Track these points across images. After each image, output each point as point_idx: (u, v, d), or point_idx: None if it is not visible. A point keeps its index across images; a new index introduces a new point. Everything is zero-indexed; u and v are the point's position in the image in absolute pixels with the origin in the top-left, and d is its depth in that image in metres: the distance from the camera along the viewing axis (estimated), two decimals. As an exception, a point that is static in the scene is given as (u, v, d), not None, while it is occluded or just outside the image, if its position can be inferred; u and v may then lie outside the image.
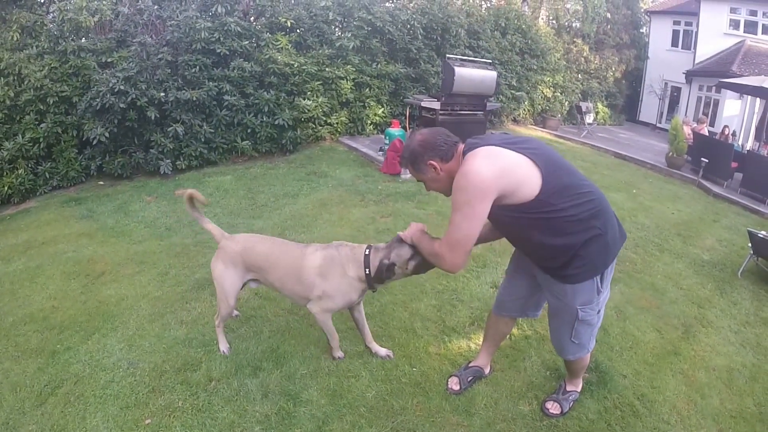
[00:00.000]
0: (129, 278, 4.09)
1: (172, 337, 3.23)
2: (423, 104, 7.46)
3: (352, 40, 8.73)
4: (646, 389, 3.17)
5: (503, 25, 12.21)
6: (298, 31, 8.81)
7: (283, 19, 8.36)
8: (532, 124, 13.27)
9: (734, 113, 15.05)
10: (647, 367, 3.39)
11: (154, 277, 4.11)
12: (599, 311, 2.33)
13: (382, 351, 3.18)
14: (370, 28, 9.20)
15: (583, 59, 15.87)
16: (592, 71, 16.24)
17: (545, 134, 12.41)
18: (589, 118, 13.73)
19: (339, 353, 3.12)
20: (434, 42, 10.40)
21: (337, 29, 9.43)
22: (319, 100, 8.26)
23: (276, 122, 7.63)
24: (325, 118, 8.58)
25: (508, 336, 3.19)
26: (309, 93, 8.24)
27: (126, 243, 4.84)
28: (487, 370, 3.05)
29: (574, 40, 16.20)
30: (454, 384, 2.95)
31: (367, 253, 2.66)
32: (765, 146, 10.59)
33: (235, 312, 3.39)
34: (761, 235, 5.14)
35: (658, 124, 18.01)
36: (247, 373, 2.96)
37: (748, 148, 11.20)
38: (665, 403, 3.10)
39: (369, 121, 9.26)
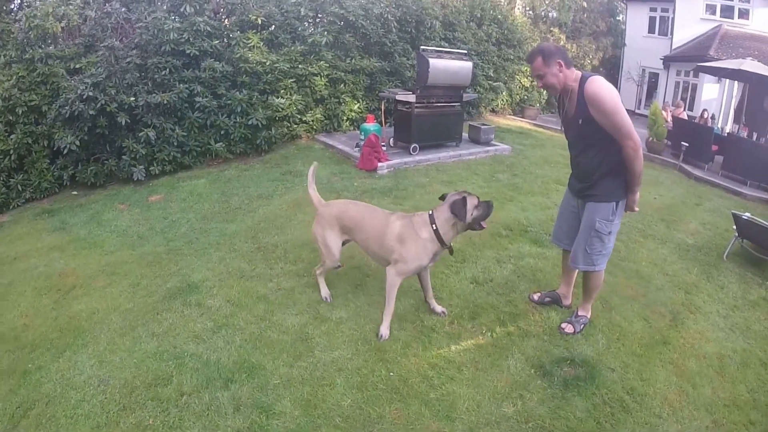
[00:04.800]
0: (100, 291, 3.95)
1: (143, 351, 3.12)
2: (398, 98, 7.30)
3: (324, 35, 8.52)
4: (636, 382, 3.04)
5: (479, 15, 12.07)
6: (270, 28, 8.58)
7: (254, 17, 8.13)
8: (510, 114, 13.19)
9: (712, 97, 15.15)
10: (636, 359, 3.26)
11: (126, 288, 3.97)
12: (611, 233, 3.05)
13: (438, 308, 3.51)
14: (342, 23, 9.01)
15: (560, 48, 15.72)
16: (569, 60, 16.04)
17: (524, 124, 12.34)
18: (568, 107, 13.53)
19: (386, 331, 3.24)
20: (409, 35, 10.22)
21: (309, 25, 9.21)
22: (293, 97, 8.04)
23: (249, 122, 7.42)
24: (299, 116, 8.36)
25: (575, 271, 3.55)
26: (282, 91, 8.02)
27: (98, 254, 4.69)
28: (565, 302, 3.69)
29: (551, 29, 16.17)
30: (536, 295, 3.75)
31: (430, 213, 3.13)
32: (744, 128, 10.61)
33: (339, 264, 3.81)
34: (745, 217, 5.07)
35: (636, 110, 18.02)
36: (219, 385, 2.82)
37: (728, 131, 11.21)
38: (656, 395, 2.97)
39: (345, 117, 9.07)
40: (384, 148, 7.38)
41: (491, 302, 3.71)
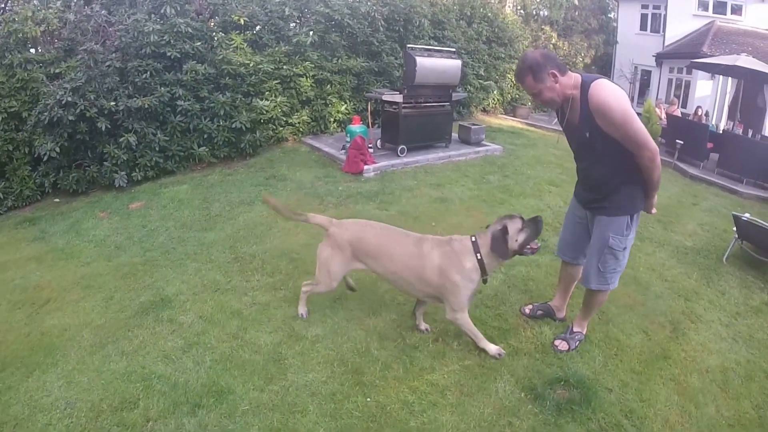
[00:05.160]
0: (74, 305, 3.77)
1: (112, 371, 2.94)
2: (384, 98, 7.06)
3: (309, 35, 8.31)
4: (635, 403, 2.82)
5: (469, 14, 11.86)
6: (254, 29, 8.34)
7: (237, 17, 7.90)
8: (502, 114, 12.98)
9: (706, 94, 15.01)
10: (635, 377, 3.03)
11: (99, 302, 3.78)
12: (625, 248, 2.81)
13: (423, 325, 3.25)
14: (328, 22, 8.77)
15: (551, 46, 15.71)
16: (561, 58, 15.81)
17: (516, 123, 12.15)
18: (560, 106, 13.38)
19: (494, 350, 3.01)
20: (397, 33, 10.00)
21: (294, 25, 8.97)
22: (278, 99, 7.83)
23: (233, 125, 7.23)
24: (285, 119, 8.16)
25: (574, 281, 3.39)
26: (267, 93, 7.82)
27: (74, 265, 4.50)
28: (560, 314, 3.46)
29: (542, 27, 16.00)
30: (527, 308, 3.51)
31: (473, 240, 2.82)
32: (739, 125, 10.46)
33: (353, 288, 3.55)
34: (745, 218, 4.90)
35: (630, 110, 17.80)
36: (186, 410, 2.62)
37: (723, 128, 11.04)
38: (656, 418, 2.76)
39: (332, 119, 8.87)
40: (371, 150, 7.16)
41: (479, 316, 3.46)
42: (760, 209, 7.50)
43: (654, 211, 2.88)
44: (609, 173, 2.66)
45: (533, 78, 2.48)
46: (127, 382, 2.84)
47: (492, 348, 3.01)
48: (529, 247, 2.81)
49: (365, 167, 6.59)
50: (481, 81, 11.56)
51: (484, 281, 2.90)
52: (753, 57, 10.27)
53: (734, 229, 5.06)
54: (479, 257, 2.78)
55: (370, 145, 7.35)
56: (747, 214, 5.01)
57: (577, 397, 2.77)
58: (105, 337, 3.30)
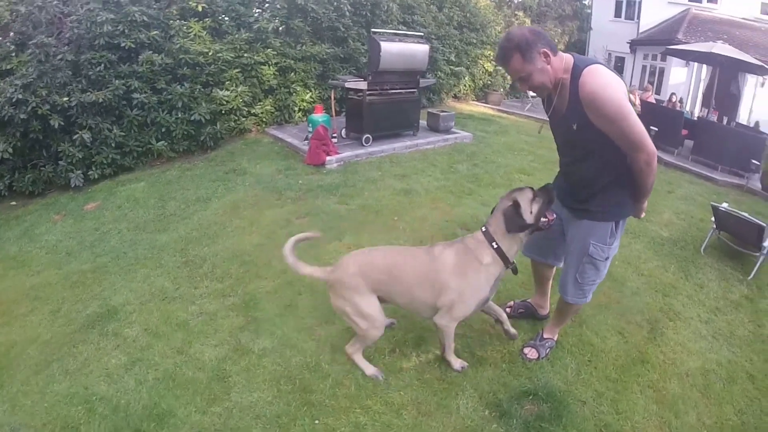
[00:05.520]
0: (21, 319, 3.58)
1: (55, 393, 2.76)
2: (347, 85, 6.71)
3: (271, 21, 7.93)
4: (610, 416, 2.59)
5: (440, -2, 11.60)
6: (216, 15, 7.92)
7: (194, 3, 7.47)
8: (474, 100, 12.74)
9: (680, 81, 15.05)
10: (610, 386, 2.80)
11: (46, 315, 3.57)
12: (607, 259, 2.51)
13: (512, 330, 2.93)
14: (292, 7, 8.41)
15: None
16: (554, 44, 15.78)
17: (487, 110, 11.91)
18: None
19: (458, 364, 2.75)
20: (364, 18, 9.66)
21: (255, 10, 8.54)
22: (239, 89, 7.48)
23: (192, 118, 6.92)
24: (247, 109, 7.82)
25: (548, 280, 3.19)
26: (227, 83, 7.48)
27: (24, 275, 4.27)
28: (542, 312, 3.25)
29: (516, 12, 15.81)
30: (507, 307, 3.23)
31: (484, 230, 2.50)
32: (714, 112, 10.42)
33: (388, 320, 2.95)
34: (723, 209, 4.77)
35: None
36: None
37: (698, 115, 11.03)
38: None
39: (296, 108, 8.53)
40: (334, 141, 6.83)
41: (440, 322, 3.18)
42: (736, 196, 7.45)
43: (643, 215, 2.58)
44: (595, 172, 2.35)
45: (522, 58, 2.11)
46: (70, 405, 2.64)
47: (456, 363, 2.74)
48: (545, 219, 2.48)
49: (328, 158, 6.26)
50: (452, 67, 11.30)
51: (513, 271, 2.55)
52: (728, 45, 10.23)
53: (712, 219, 4.92)
54: (496, 246, 2.44)
55: (334, 135, 7.03)
56: (725, 204, 4.88)
57: (547, 412, 2.52)
58: (50, 354, 3.10)
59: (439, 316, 2.51)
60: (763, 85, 13.68)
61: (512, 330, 2.91)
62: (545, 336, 2.97)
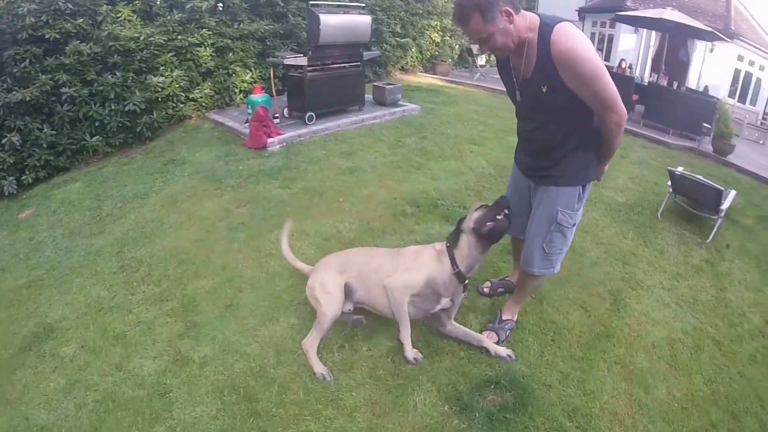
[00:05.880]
0: None
1: None
2: (287, 62, 6.30)
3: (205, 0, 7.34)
4: (578, 399, 2.44)
5: (384, -32, 11.19)
6: None
7: None
8: (421, 71, 12.43)
9: (629, 47, 15.24)
10: (576, 365, 2.66)
11: None
12: (574, 225, 2.42)
13: (502, 351, 2.64)
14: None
15: (472, 1, 15.24)
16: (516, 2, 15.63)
17: (436, 81, 11.65)
18: (481, 60, 13.22)
19: (411, 353, 2.53)
20: (305, -9, 9.20)
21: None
22: (174, 74, 6.97)
23: (127, 108, 6.43)
24: (185, 94, 7.32)
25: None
26: (161, 68, 6.96)
27: None
28: None
29: (463, -18, 15.52)
30: (485, 287, 3.15)
31: (448, 245, 2.51)
32: (664, 77, 10.54)
33: (361, 322, 2.84)
34: (679, 172, 4.77)
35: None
36: None
37: (648, 80, 11.16)
38: (603, 413, 2.41)
39: (237, 90, 8.07)
40: (276, 121, 6.45)
41: (393, 310, 2.95)
42: (689, 159, 7.56)
43: (602, 177, 2.51)
44: (562, 136, 2.22)
45: (482, 18, 1.95)
46: (8, 443, 2.39)
47: (410, 352, 2.53)
48: (489, 223, 2.37)
49: (269, 140, 5.88)
50: (397, 39, 10.96)
51: (464, 287, 2.52)
52: (678, 11, 10.32)
53: (668, 183, 4.88)
54: (448, 244, 2.50)
55: (276, 115, 6.65)
56: (680, 168, 4.87)
57: (510, 401, 2.33)
58: (-10, 384, 2.78)
59: (388, 280, 2.49)
60: (712, 50, 14.00)
61: (502, 351, 2.63)
62: (504, 317, 2.81)
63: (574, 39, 1.93)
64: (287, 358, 2.59)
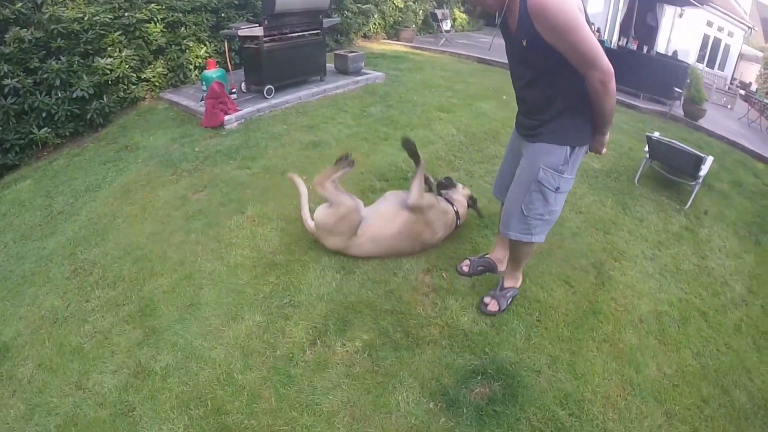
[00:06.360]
0: None
1: None
2: (241, 33, 5.90)
3: (153, -29, 6.82)
4: (569, 384, 2.33)
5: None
6: None
7: None
8: (384, 38, 12.06)
9: (597, 11, 15.13)
10: (564, 347, 2.54)
11: None
12: (558, 189, 2.30)
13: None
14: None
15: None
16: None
17: (400, 47, 11.31)
18: (446, 26, 12.86)
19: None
20: (259, -44, 8.69)
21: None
22: (123, 54, 6.47)
23: (75, 95, 5.96)
24: (136, 75, 6.82)
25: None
26: (109, 49, 6.44)
27: None
28: (500, 267, 2.99)
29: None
30: (465, 266, 3.04)
31: None
32: (634, 42, 10.46)
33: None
34: (657, 138, 4.71)
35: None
36: None
37: (616, 44, 11.09)
38: (596, 398, 2.31)
39: (192, 66, 7.59)
40: (234, 96, 6.09)
41: (366, 298, 2.74)
42: (660, 123, 7.56)
43: (605, 150, 2.42)
44: (549, 96, 2.19)
45: None
46: None
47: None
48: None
49: (226, 117, 5.53)
50: (359, 5, 10.58)
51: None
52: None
53: (645, 149, 4.82)
54: None
55: (233, 91, 6.28)
56: (657, 133, 4.81)
57: (499, 392, 2.19)
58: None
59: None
60: (681, 16, 14.06)
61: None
62: (506, 285, 2.76)
63: None
64: (255, 361, 2.37)
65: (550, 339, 2.56)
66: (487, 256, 3.03)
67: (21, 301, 3.21)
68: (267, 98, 6.14)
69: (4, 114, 5.67)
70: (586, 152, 2.36)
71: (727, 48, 16.36)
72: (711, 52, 15.96)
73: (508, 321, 2.62)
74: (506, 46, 2.27)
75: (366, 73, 7.51)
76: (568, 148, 2.22)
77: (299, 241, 3.18)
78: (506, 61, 2.33)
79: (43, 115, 5.89)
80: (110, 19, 6.42)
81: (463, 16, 15.57)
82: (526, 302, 2.79)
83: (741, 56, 16.98)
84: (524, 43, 2.03)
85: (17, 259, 3.69)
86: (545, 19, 1.89)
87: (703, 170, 4.52)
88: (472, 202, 3.40)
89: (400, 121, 5.66)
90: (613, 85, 1.98)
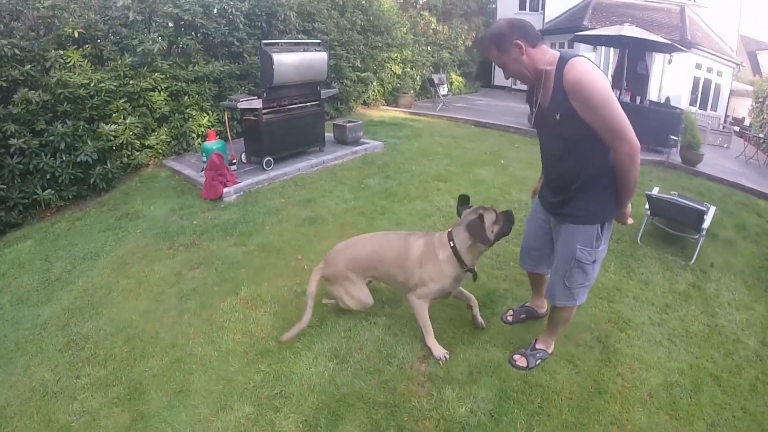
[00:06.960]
0: None
1: None
2: (240, 105, 6.06)
3: (157, 41, 7.09)
4: (576, 479, 2.13)
5: (341, 3, 11.10)
6: (97, 41, 7.01)
7: (70, 29, 6.56)
8: (384, 105, 12.39)
9: (588, 65, 15.47)
10: (569, 435, 2.36)
11: None
12: (595, 262, 2.48)
13: (479, 320, 3.18)
14: (179, 24, 7.67)
15: (431, 31, 15.36)
16: (441, 42, 15.75)
17: (398, 113, 11.56)
18: (444, 90, 13.22)
19: (439, 351, 2.90)
20: (259, 30, 9.03)
21: (141, 32, 7.70)
22: (128, 121, 6.68)
23: (79, 159, 6.13)
24: (140, 142, 7.02)
25: (544, 284, 3.11)
26: (114, 115, 6.67)
27: None
28: (540, 311, 3.30)
29: (421, 13, 15.69)
30: (509, 315, 3.31)
31: (450, 231, 2.85)
32: (627, 93, 10.58)
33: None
34: (656, 195, 4.65)
35: (513, 86, 18.00)
36: None
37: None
38: None
39: (194, 134, 7.81)
40: (234, 167, 6.18)
41: (359, 390, 2.63)
42: (659, 173, 7.52)
43: (630, 221, 2.54)
44: (578, 169, 2.33)
45: (497, 49, 2.26)
46: None
47: (437, 350, 2.89)
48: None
49: (225, 190, 5.59)
50: (358, 73, 10.88)
51: (473, 277, 2.94)
52: (636, 27, 10.45)
53: (646, 207, 4.75)
54: (452, 245, 2.79)
55: (233, 161, 6.38)
56: (656, 189, 4.77)
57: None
58: None
59: (409, 294, 2.93)
60: (670, 62, 14.32)
61: (480, 319, 3.15)
62: (537, 346, 2.91)
63: (584, 68, 2.06)
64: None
65: (553, 427, 2.41)
66: (527, 305, 3.32)
67: (13, 369, 3.16)
68: (266, 170, 6.22)
69: (10, 173, 5.80)
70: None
71: (717, 88, 16.49)
72: (702, 93, 16.10)
73: (508, 410, 2.48)
74: (537, 121, 2.42)
75: (365, 143, 7.62)
76: (599, 225, 2.38)
77: (292, 325, 3.08)
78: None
79: (48, 176, 6.03)
80: (115, 86, 6.65)
81: (460, 79, 15.92)
82: (528, 388, 2.65)
83: (732, 92, 17.07)
84: (557, 117, 2.18)
85: (12, 323, 3.67)
86: (581, 94, 2.06)
87: (706, 222, 4.42)
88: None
89: (398, 192, 5.67)
90: (638, 158, 2.12)
